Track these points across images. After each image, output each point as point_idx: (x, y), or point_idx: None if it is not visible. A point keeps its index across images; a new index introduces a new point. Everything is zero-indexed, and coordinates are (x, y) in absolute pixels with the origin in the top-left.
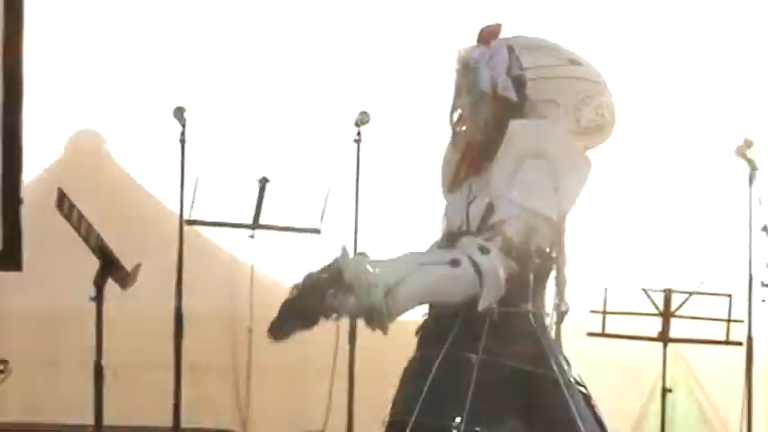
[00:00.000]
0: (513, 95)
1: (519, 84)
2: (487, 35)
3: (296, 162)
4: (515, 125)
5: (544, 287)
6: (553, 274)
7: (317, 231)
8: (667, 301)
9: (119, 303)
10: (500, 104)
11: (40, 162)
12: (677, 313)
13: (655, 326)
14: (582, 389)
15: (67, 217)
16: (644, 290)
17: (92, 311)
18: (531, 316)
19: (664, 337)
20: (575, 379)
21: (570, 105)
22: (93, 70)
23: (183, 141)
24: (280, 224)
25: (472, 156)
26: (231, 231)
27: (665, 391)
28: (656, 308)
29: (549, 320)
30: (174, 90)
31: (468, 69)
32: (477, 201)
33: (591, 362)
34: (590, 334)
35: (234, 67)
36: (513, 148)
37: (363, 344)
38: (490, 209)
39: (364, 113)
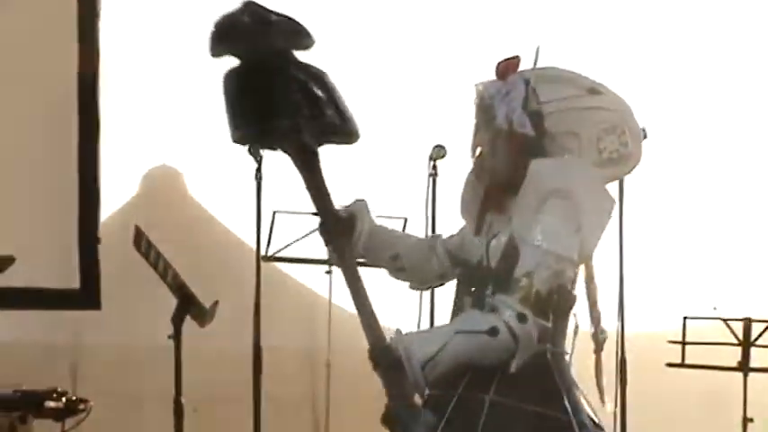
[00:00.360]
0: (529, 131)
1: (537, 118)
2: (504, 69)
3: (371, 196)
4: (536, 165)
5: (564, 324)
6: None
7: None
8: (747, 330)
9: (197, 340)
10: (518, 141)
11: (117, 199)
12: (757, 342)
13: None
14: (600, 430)
15: (145, 255)
16: (723, 319)
17: (170, 349)
18: (548, 354)
19: (744, 367)
20: (591, 419)
21: (592, 137)
22: (168, 106)
23: (258, 177)
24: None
25: (494, 193)
26: (308, 267)
27: (746, 420)
28: (736, 337)
29: (570, 355)
30: None
31: (484, 106)
32: (499, 238)
33: (672, 393)
34: (669, 365)
35: None
36: (535, 188)
37: None
38: (512, 251)
39: (440, 147)
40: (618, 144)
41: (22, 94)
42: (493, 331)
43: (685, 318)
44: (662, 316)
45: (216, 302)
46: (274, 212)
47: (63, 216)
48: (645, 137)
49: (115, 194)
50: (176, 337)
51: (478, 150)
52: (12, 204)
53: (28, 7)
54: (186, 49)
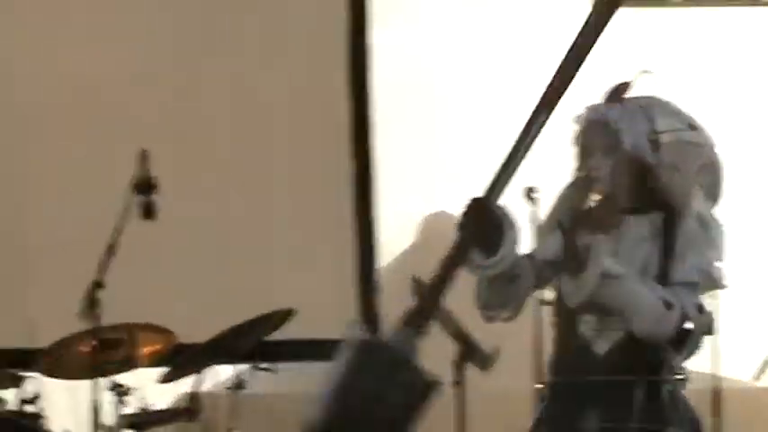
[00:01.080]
0: (653, 160)
1: (654, 147)
2: (620, 92)
3: None
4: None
5: None
6: None
7: None
8: None
9: (478, 383)
10: (640, 168)
11: (394, 247)
12: None
13: None
14: None
15: None
16: None
17: (451, 395)
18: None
19: None
20: None
21: (690, 171)
22: (444, 150)
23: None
24: None
25: (606, 215)
26: None
27: None
28: None
29: None
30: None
31: (607, 130)
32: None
33: None
34: None
35: None
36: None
37: None
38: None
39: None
40: (710, 180)
41: (297, 143)
42: (667, 305)
43: None
44: None
45: (497, 348)
46: None
47: (341, 267)
48: None
49: (392, 242)
50: (459, 383)
51: (584, 173)
52: (290, 256)
53: (296, 69)
54: (455, 91)
